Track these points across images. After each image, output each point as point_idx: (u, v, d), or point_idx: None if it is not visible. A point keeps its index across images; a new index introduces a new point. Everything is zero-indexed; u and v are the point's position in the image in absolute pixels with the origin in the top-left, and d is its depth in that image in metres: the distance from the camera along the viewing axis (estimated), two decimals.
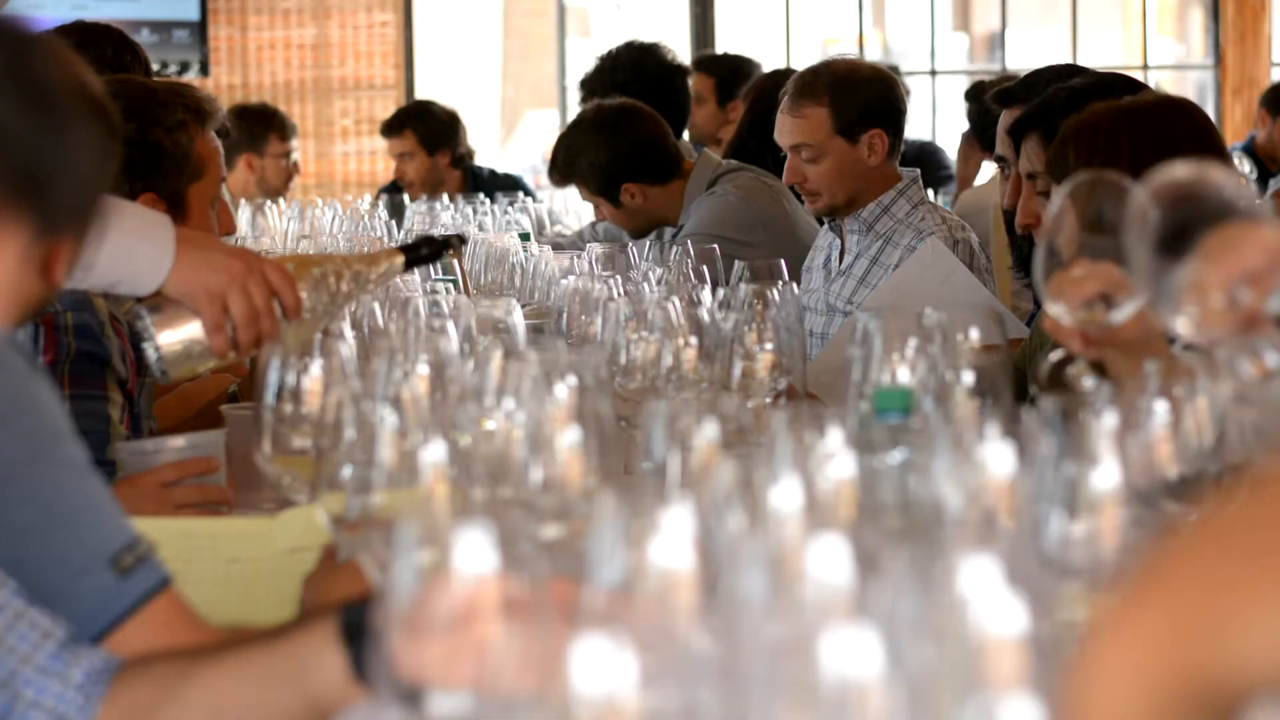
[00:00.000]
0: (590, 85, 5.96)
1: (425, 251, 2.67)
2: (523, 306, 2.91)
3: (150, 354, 2.51)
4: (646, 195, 5.06)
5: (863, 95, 4.32)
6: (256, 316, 2.47)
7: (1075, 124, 2.86)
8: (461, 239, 2.73)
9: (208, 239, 2.59)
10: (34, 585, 1.72)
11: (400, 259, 2.63)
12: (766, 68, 6.86)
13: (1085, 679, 0.96)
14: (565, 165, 5.12)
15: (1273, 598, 0.91)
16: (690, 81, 6.04)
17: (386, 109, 9.89)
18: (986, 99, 4.24)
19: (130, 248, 2.41)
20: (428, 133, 7.40)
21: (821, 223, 4.56)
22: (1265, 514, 0.94)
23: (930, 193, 5.20)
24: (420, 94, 10.11)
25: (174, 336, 2.51)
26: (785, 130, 4.36)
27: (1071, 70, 4.03)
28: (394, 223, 6.03)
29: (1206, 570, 0.94)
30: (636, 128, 5.10)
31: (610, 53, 6.01)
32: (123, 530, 1.78)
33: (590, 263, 3.86)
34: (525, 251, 4.31)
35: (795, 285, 3.48)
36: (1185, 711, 0.93)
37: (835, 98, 4.30)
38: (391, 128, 7.55)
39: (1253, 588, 0.92)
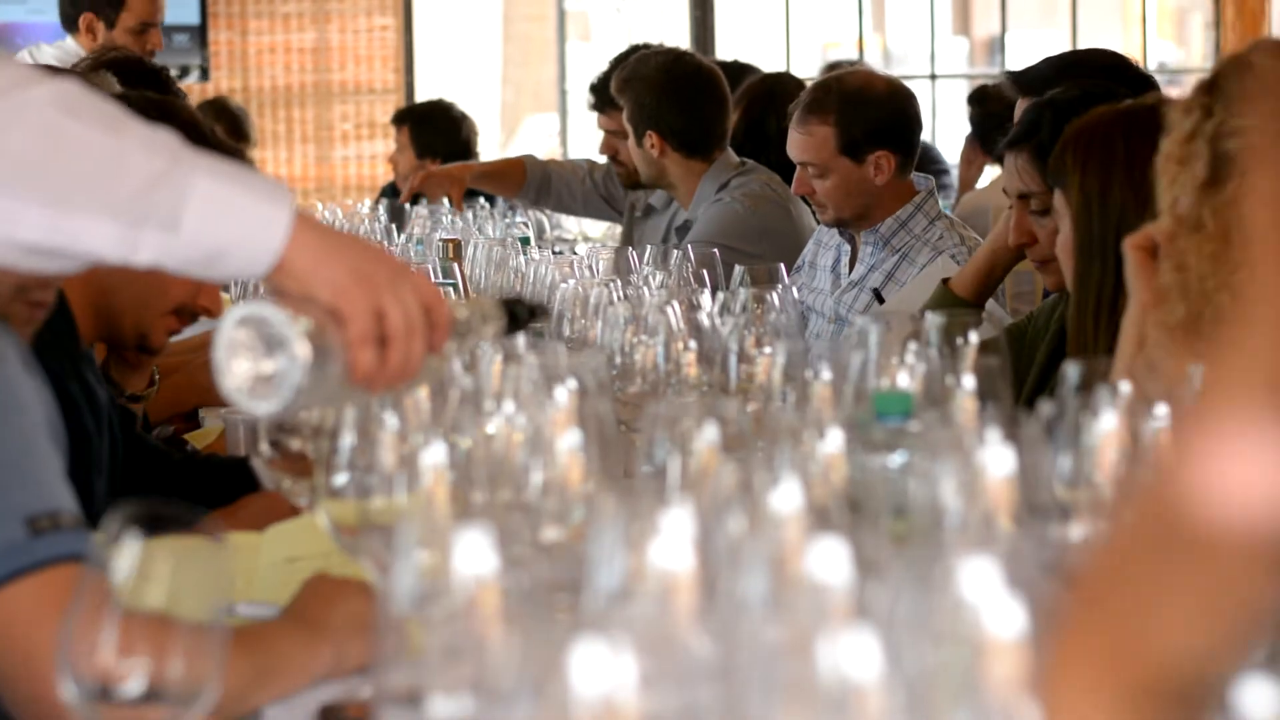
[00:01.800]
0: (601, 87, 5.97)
1: (523, 314, 2.07)
2: None
3: (246, 381, 1.73)
4: (666, 155, 5.13)
5: (871, 114, 4.27)
6: (413, 335, 1.78)
7: (1076, 127, 2.87)
8: (546, 312, 2.16)
9: (330, 227, 1.86)
10: None
11: (503, 320, 2.02)
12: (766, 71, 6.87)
13: (1052, 684, 0.96)
14: (624, 79, 5.20)
15: (1188, 602, 0.91)
16: None
17: (386, 113, 9.90)
18: (1005, 85, 4.23)
19: (231, 200, 1.71)
20: (419, 136, 7.46)
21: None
22: (1161, 515, 0.94)
23: None
24: (420, 98, 10.11)
25: (310, 347, 1.73)
26: (794, 145, 4.35)
27: (1079, 59, 4.03)
28: (394, 226, 6.03)
29: (1127, 579, 0.94)
30: (697, 96, 5.16)
31: (622, 55, 6.02)
32: (52, 500, 1.80)
33: (591, 266, 3.87)
34: (525, 255, 4.31)
35: (795, 290, 3.48)
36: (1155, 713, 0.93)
37: (842, 116, 4.26)
38: (395, 120, 7.72)
39: (1169, 593, 0.92)
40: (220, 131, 7.94)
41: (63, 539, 1.80)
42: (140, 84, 4.02)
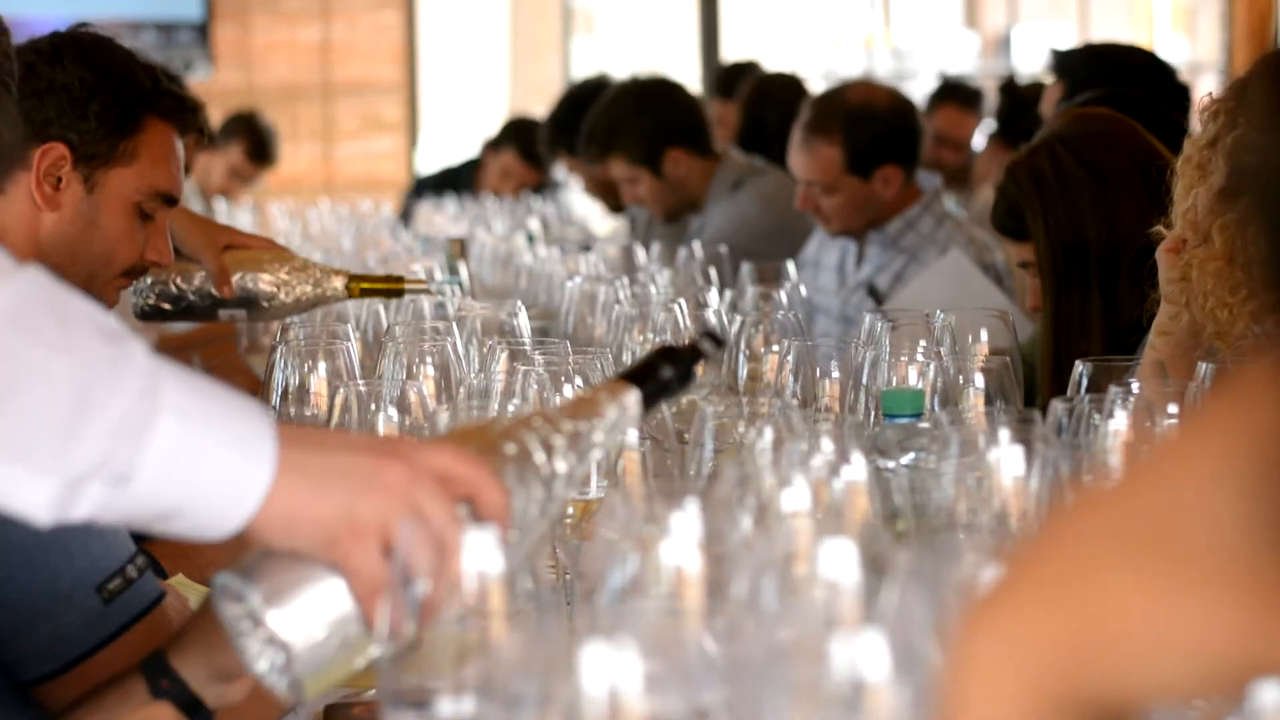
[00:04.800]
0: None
1: (668, 375, 1.53)
2: (528, 308, 2.90)
3: (265, 668, 1.39)
4: (689, 165, 5.02)
5: (876, 130, 4.23)
6: (442, 552, 1.36)
7: (1010, 170, 2.85)
8: (717, 340, 1.58)
9: (319, 431, 1.49)
10: (21, 603, 1.72)
11: (633, 396, 1.51)
12: (770, 64, 6.88)
13: (959, 670, 0.94)
14: (607, 135, 5.03)
15: (1142, 584, 0.90)
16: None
17: (391, 109, 9.90)
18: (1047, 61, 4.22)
19: (200, 450, 1.36)
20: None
21: None
22: (1136, 500, 0.92)
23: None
24: (425, 94, 10.11)
25: (311, 626, 1.37)
26: (798, 165, 4.30)
27: (1115, 54, 4.01)
28: (400, 223, 6.04)
29: (1080, 557, 0.92)
30: (680, 95, 5.10)
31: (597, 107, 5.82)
32: (113, 553, 1.78)
33: (597, 264, 3.86)
34: (531, 252, 4.31)
35: (803, 288, 3.46)
36: (1064, 712, 0.91)
37: (848, 135, 4.22)
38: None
39: (1125, 574, 0.90)
40: (241, 149, 7.65)
41: (135, 595, 1.77)
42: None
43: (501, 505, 1.38)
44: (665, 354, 1.52)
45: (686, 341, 1.56)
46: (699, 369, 1.53)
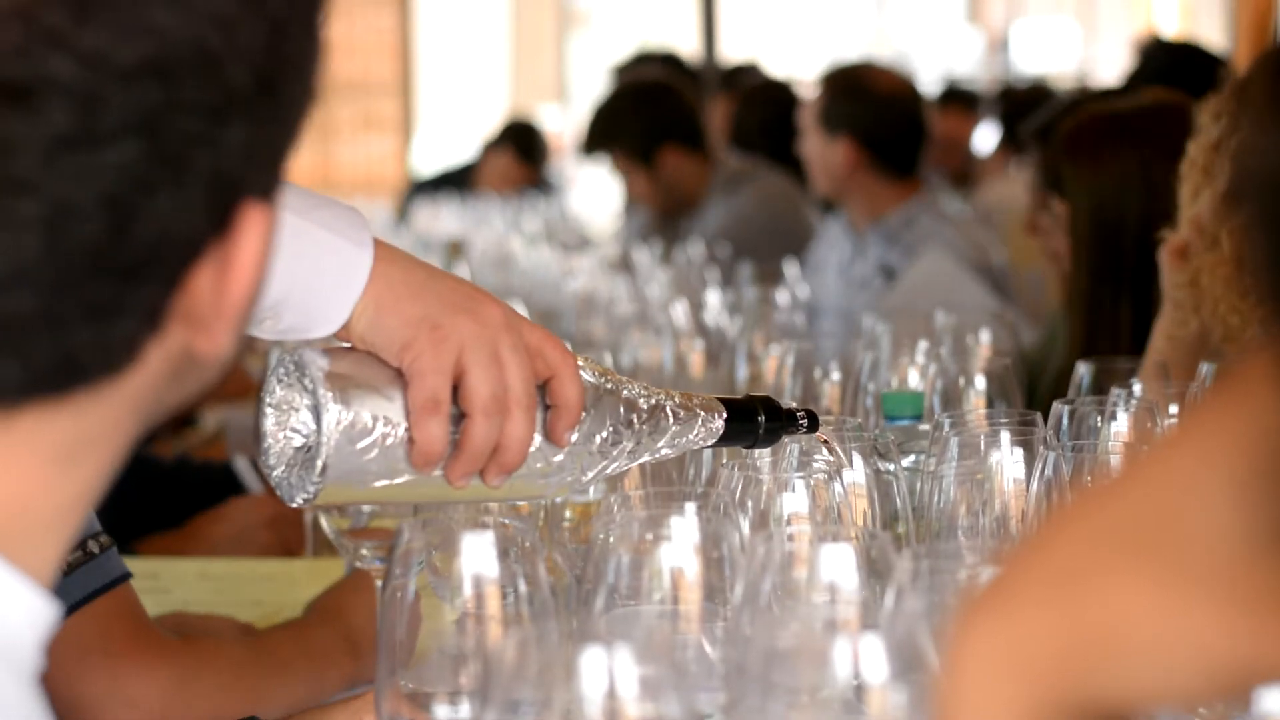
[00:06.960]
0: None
1: (759, 421, 1.51)
2: (527, 309, 2.89)
3: (283, 469, 1.35)
4: (683, 162, 5.08)
5: (852, 99, 4.29)
6: (507, 411, 1.35)
7: (1067, 130, 2.83)
8: (814, 423, 1.53)
9: (416, 260, 1.41)
10: None
11: (720, 420, 1.50)
12: (770, 62, 6.88)
13: (954, 672, 0.94)
14: (604, 128, 5.12)
15: (1139, 585, 0.89)
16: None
17: (388, 109, 9.90)
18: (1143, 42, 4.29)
19: (300, 233, 1.30)
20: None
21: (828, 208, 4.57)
22: (1133, 500, 0.92)
23: None
24: (423, 93, 10.11)
25: (359, 415, 1.32)
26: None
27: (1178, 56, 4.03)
28: (399, 224, 6.03)
29: (1077, 558, 0.92)
30: (678, 97, 5.18)
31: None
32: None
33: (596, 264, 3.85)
34: (530, 253, 4.31)
35: (807, 287, 3.46)
36: (1061, 716, 0.91)
37: (828, 91, 4.32)
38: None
39: (1122, 575, 0.90)
40: None
41: (96, 570, 1.74)
42: None
43: (574, 400, 1.37)
44: (767, 403, 1.51)
45: (793, 408, 1.54)
46: (785, 435, 1.51)
